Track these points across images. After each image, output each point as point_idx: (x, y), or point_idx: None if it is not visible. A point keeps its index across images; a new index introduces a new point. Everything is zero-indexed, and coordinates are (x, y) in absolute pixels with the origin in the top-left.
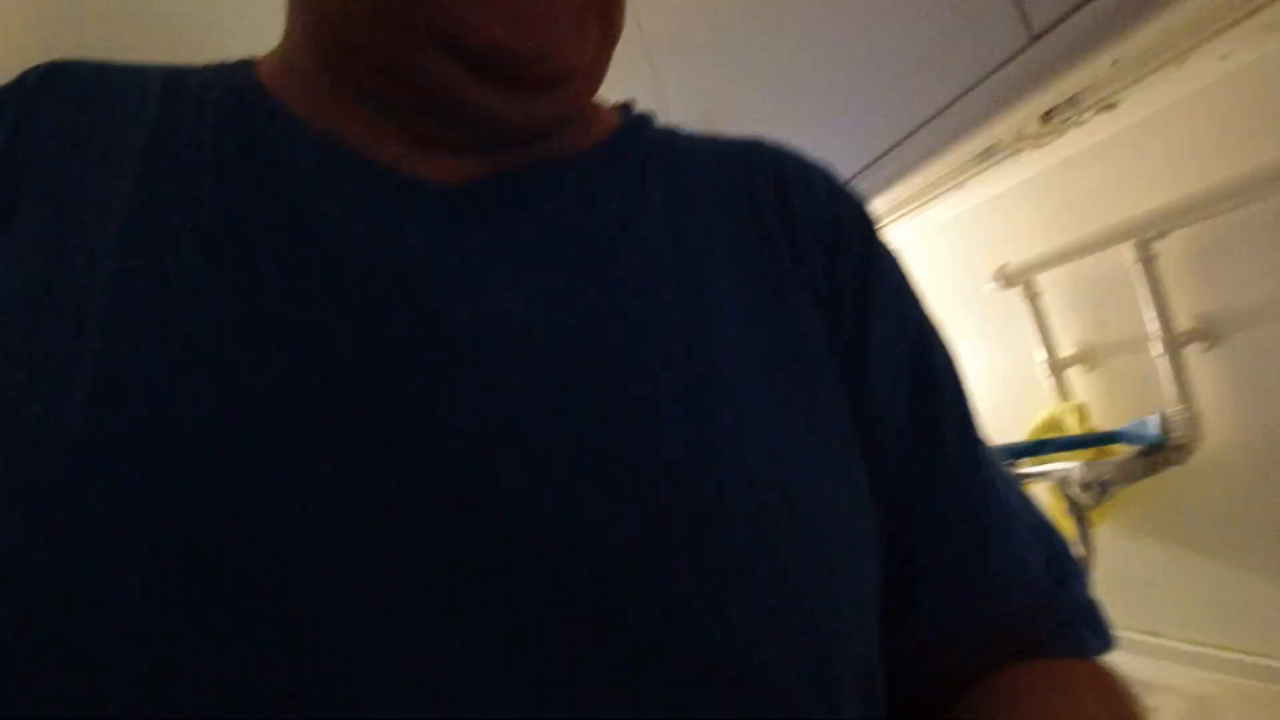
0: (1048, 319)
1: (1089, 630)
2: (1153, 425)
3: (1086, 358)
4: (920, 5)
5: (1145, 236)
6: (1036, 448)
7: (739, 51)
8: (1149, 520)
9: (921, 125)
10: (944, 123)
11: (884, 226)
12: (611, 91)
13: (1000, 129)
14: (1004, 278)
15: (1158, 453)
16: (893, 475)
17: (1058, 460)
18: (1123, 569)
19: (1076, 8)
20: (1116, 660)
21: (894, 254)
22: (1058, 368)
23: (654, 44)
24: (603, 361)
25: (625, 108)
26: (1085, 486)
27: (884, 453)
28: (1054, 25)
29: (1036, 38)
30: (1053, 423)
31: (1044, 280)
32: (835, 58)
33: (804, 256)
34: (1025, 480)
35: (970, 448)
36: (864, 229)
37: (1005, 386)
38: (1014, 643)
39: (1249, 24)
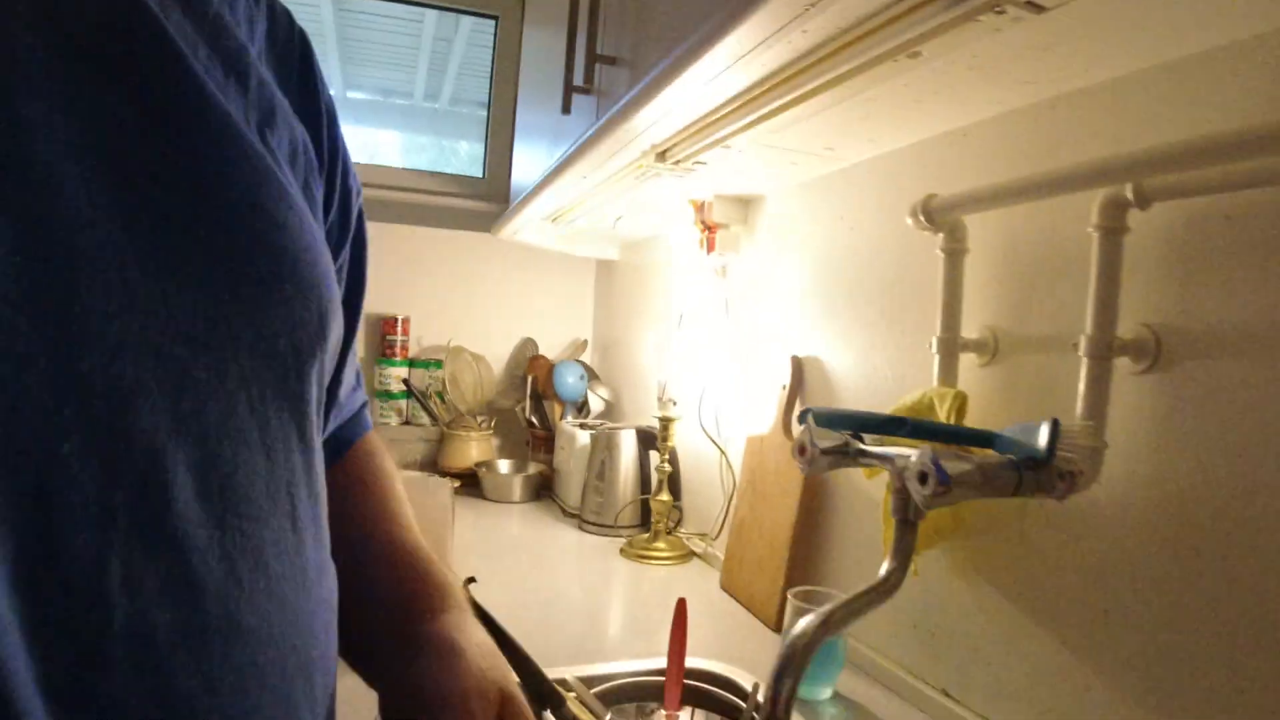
0: (963, 286)
1: (368, 418)
2: (1040, 434)
3: (986, 346)
4: None
5: (1116, 195)
6: (889, 424)
7: None
8: (991, 564)
9: None
10: None
11: None
12: None
13: None
14: (924, 213)
15: (1037, 470)
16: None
17: (906, 446)
18: (937, 613)
19: None
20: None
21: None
22: (949, 348)
23: None
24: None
25: None
26: (922, 478)
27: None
28: None
29: None
30: (922, 406)
31: (977, 239)
32: None
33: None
34: (863, 460)
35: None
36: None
37: (902, 356)
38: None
39: None
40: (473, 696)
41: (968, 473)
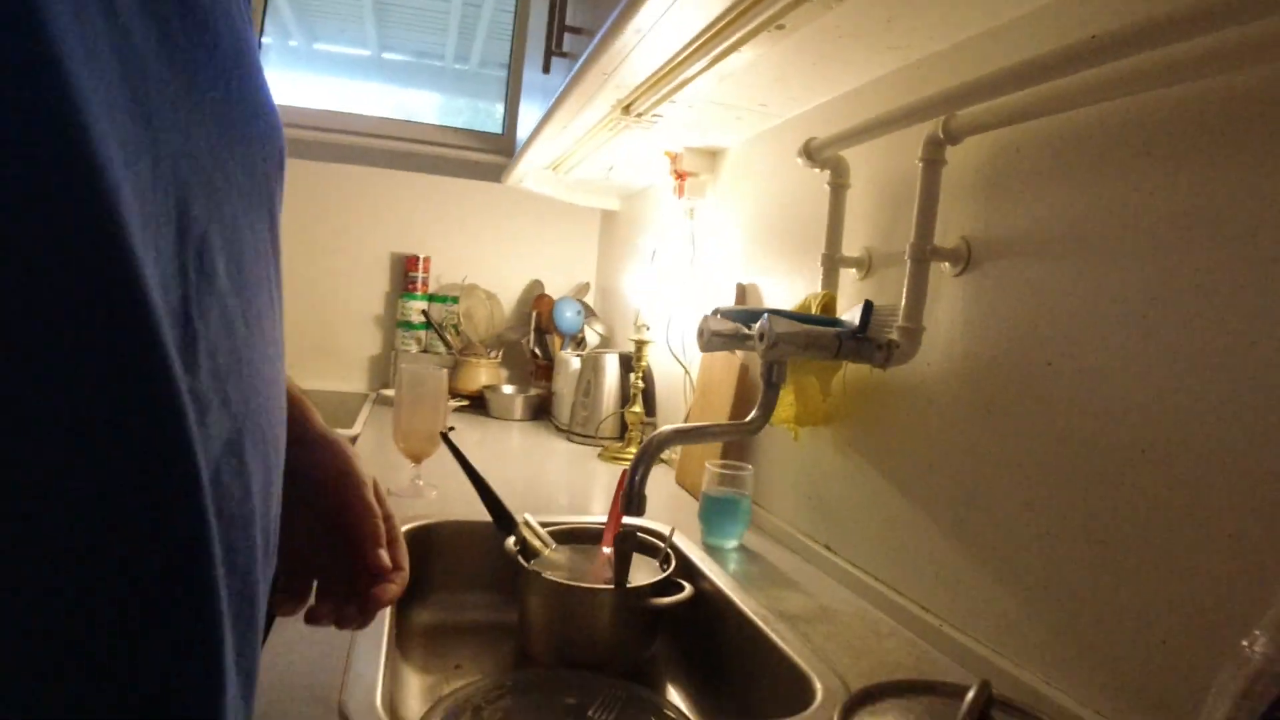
0: (844, 214)
1: None
2: (855, 314)
3: (862, 263)
4: None
5: (933, 133)
6: (759, 314)
7: None
8: (859, 439)
9: None
10: None
11: None
12: None
13: None
14: (807, 153)
15: (857, 340)
16: None
17: None
18: (824, 482)
19: None
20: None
21: None
22: (830, 264)
23: None
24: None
25: None
26: (761, 337)
27: None
28: None
29: None
30: (803, 307)
31: (859, 176)
32: None
33: None
34: (743, 342)
35: None
36: None
37: (809, 276)
38: None
39: None
40: (363, 473)
41: (794, 334)
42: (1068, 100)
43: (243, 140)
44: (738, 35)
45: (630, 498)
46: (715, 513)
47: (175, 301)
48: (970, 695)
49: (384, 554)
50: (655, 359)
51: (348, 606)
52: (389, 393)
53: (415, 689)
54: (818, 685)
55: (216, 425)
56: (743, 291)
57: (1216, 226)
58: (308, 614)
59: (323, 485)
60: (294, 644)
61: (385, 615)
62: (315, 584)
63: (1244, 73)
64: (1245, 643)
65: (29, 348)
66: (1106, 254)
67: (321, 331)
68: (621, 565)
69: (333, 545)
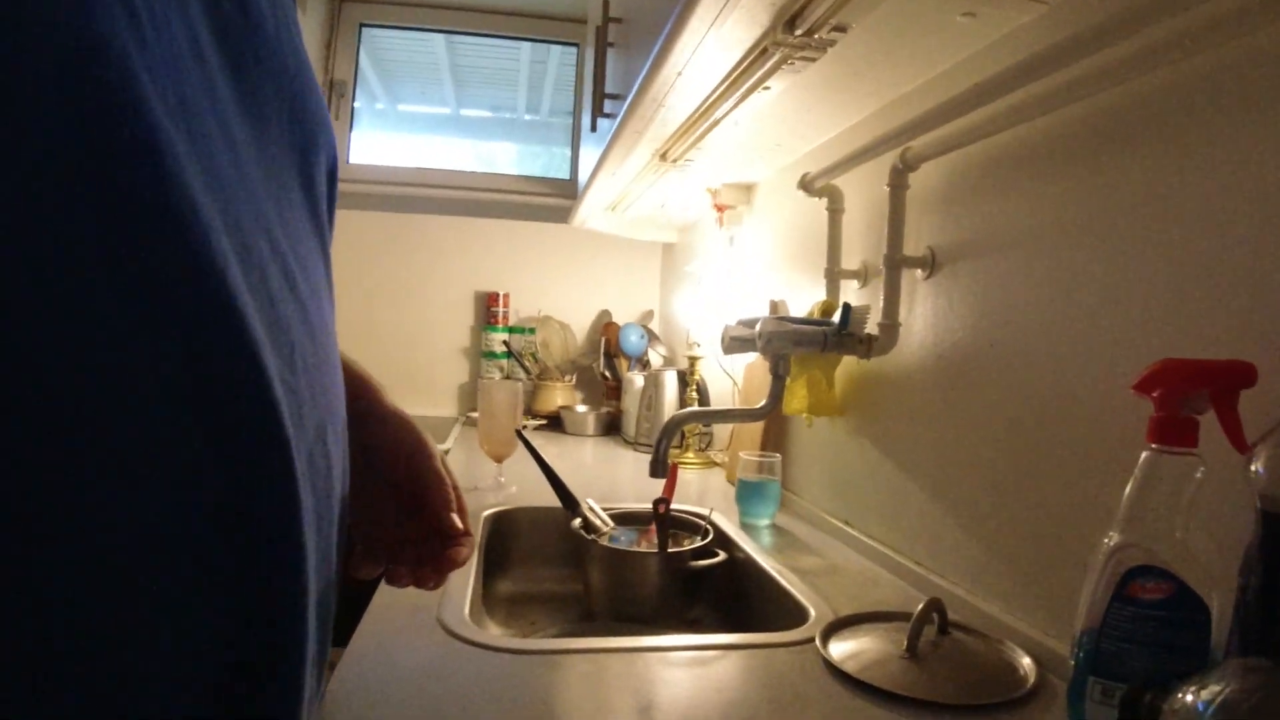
0: (841, 234)
1: None
2: (839, 315)
3: (860, 274)
4: None
5: (895, 163)
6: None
7: None
8: (865, 426)
9: None
10: None
11: None
12: None
13: None
14: (804, 185)
15: (841, 338)
16: None
17: None
18: (841, 466)
19: None
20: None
21: None
22: (832, 277)
23: None
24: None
25: None
26: (759, 336)
27: None
28: None
29: None
30: (809, 314)
31: (852, 202)
32: None
33: None
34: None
35: None
36: None
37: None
38: None
39: None
40: (432, 446)
41: (783, 332)
42: (994, 126)
43: (303, 157)
44: (735, 96)
45: (655, 463)
46: (749, 495)
47: (269, 311)
48: (920, 608)
49: (456, 518)
50: (707, 373)
51: (423, 569)
52: (475, 415)
53: (493, 636)
54: (812, 613)
55: (310, 417)
56: (774, 306)
57: (1106, 228)
58: (388, 575)
59: (397, 457)
60: None
61: (469, 581)
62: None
63: (1136, 82)
64: (1105, 539)
65: (154, 363)
66: (1029, 251)
67: (415, 363)
68: (663, 533)
69: (406, 512)
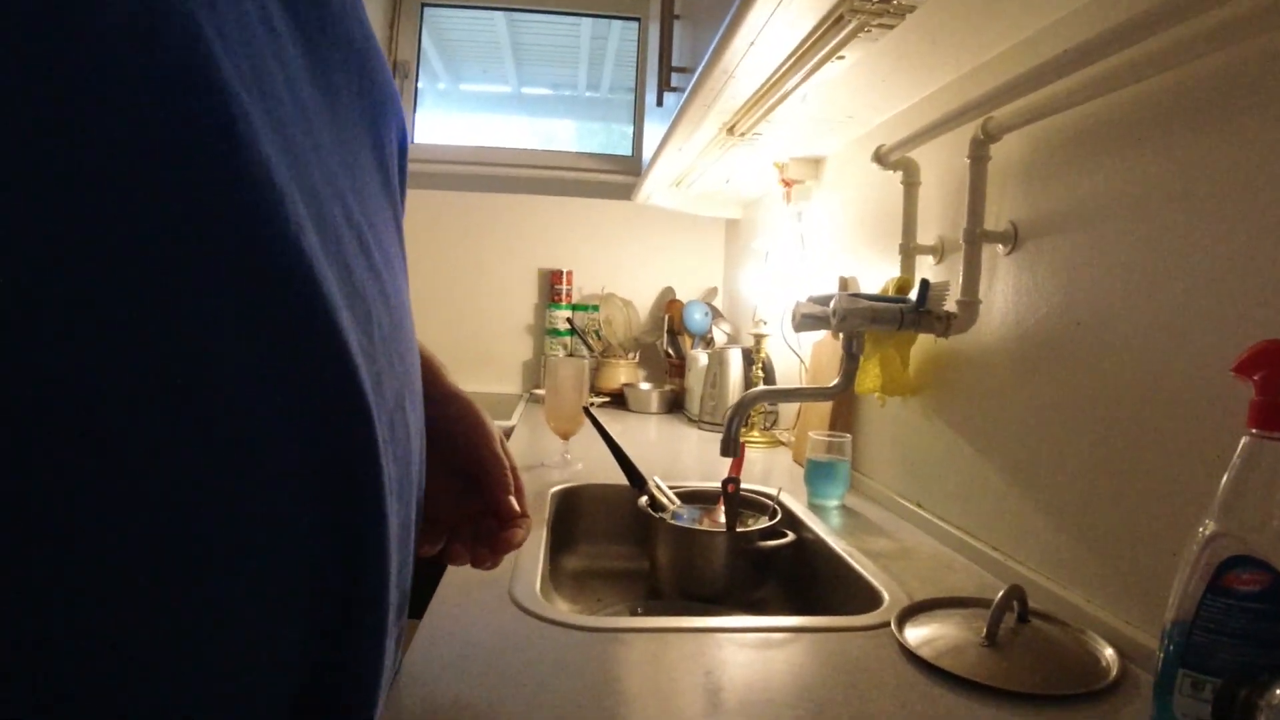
0: (917, 208)
1: None
2: (916, 291)
3: (936, 249)
4: None
5: (975, 134)
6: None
7: None
8: (940, 406)
9: None
10: None
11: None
12: None
13: None
14: (878, 158)
15: (919, 315)
16: None
17: None
18: (914, 446)
19: None
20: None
21: None
22: (907, 252)
23: None
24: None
25: None
26: (834, 313)
27: None
28: None
29: None
30: (884, 291)
31: (928, 175)
32: None
33: None
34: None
35: None
36: None
37: (895, 263)
38: None
39: None
40: (492, 427)
41: (859, 309)
42: (1085, 94)
43: (374, 128)
44: (807, 67)
45: (726, 441)
46: (818, 476)
47: (346, 279)
48: (1000, 595)
49: (513, 500)
50: (773, 350)
51: (481, 548)
52: (540, 392)
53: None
54: (886, 597)
55: (389, 386)
56: (844, 283)
57: (1204, 201)
58: (446, 554)
59: (456, 438)
60: None
61: (539, 557)
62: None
63: (1227, 54)
64: (1199, 528)
65: (234, 331)
66: (1119, 225)
67: (480, 341)
68: (731, 512)
69: (465, 492)
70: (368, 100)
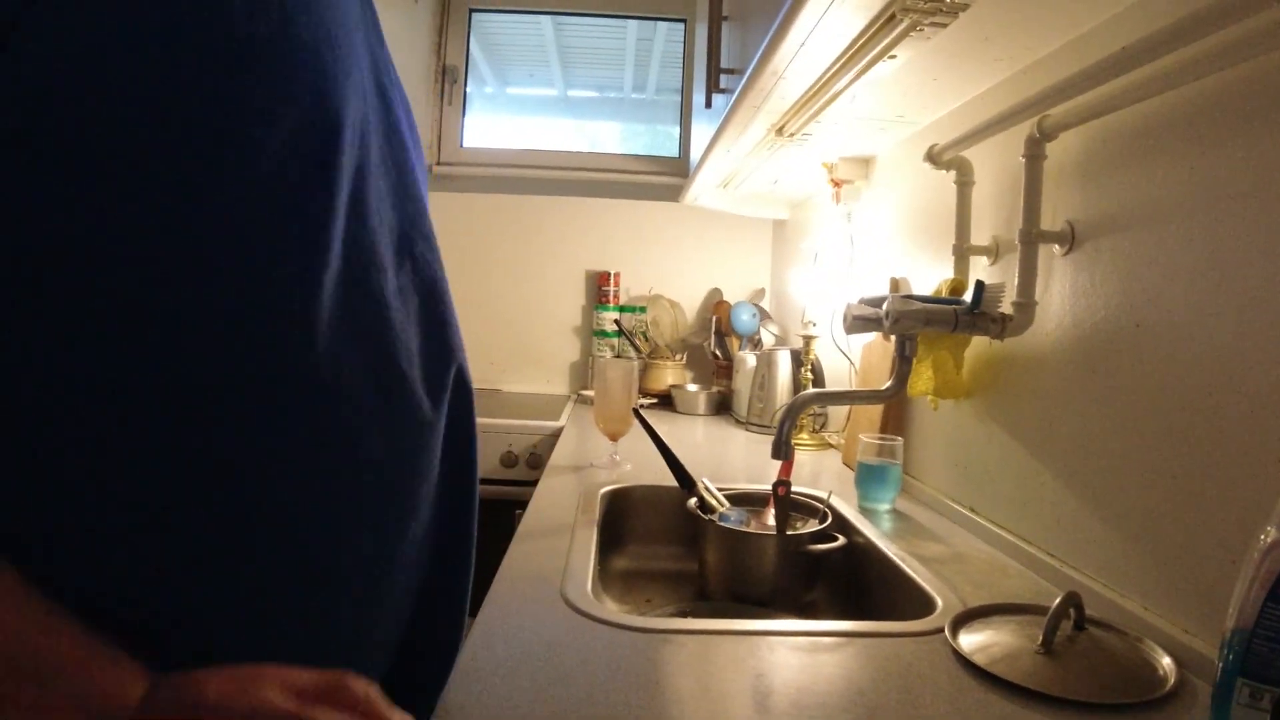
0: (970, 208)
1: None
2: (970, 293)
3: (990, 250)
4: None
5: (1030, 134)
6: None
7: None
8: (994, 409)
9: None
10: None
11: None
12: None
13: None
14: (930, 158)
15: (972, 315)
16: None
17: None
18: (967, 450)
19: None
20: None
21: None
22: (960, 253)
23: None
24: None
25: None
26: (887, 315)
27: None
28: None
29: None
30: (936, 292)
31: (982, 175)
32: None
33: None
34: (878, 324)
35: None
36: None
37: (948, 265)
38: None
39: None
40: None
41: (913, 311)
42: (1144, 91)
43: (418, 162)
44: (858, 67)
45: (778, 444)
46: (869, 479)
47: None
48: (1057, 601)
49: None
50: (822, 352)
51: None
52: (588, 393)
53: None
54: (939, 602)
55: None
56: (895, 284)
57: (1272, 200)
58: None
59: None
60: (530, 555)
61: (590, 557)
62: None
63: None
64: (1261, 536)
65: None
66: (1181, 225)
67: (528, 342)
68: (781, 515)
69: None
70: (414, 136)
